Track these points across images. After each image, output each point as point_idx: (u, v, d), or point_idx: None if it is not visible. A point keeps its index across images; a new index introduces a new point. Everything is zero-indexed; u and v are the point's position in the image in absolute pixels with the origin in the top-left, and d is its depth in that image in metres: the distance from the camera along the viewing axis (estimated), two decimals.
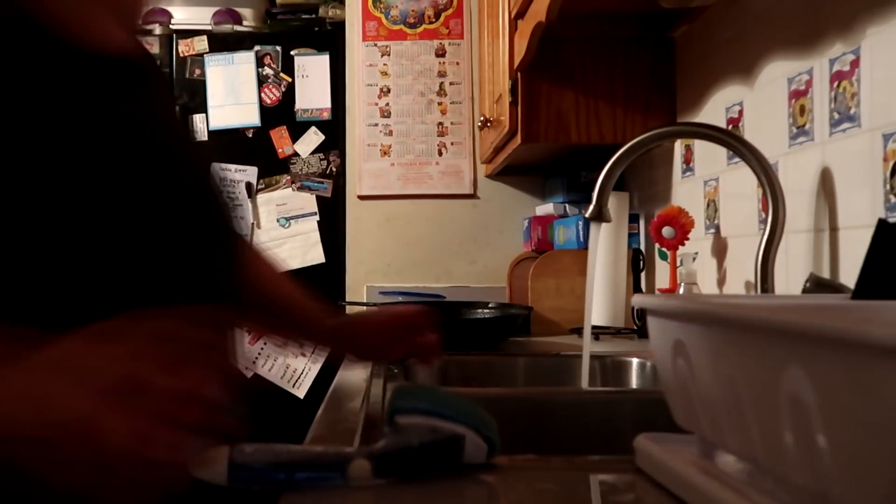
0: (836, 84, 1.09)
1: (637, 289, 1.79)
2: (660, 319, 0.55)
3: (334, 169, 2.71)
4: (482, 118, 2.29)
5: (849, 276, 1.05)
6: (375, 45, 2.66)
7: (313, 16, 2.90)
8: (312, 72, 2.79)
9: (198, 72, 2.72)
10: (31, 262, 0.54)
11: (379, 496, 0.56)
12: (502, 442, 0.60)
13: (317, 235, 2.68)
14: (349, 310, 2.30)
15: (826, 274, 1.11)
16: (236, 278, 0.75)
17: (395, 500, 0.55)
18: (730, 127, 1.43)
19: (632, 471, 0.59)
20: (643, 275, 1.82)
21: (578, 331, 1.74)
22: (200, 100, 2.71)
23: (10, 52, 0.58)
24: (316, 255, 2.67)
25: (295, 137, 2.76)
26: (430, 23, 2.66)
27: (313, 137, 2.78)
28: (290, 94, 2.76)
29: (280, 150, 2.71)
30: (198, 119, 2.71)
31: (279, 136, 2.72)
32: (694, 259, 1.58)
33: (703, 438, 0.52)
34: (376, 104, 2.66)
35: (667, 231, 1.58)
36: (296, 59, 2.79)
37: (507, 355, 1.41)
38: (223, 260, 0.73)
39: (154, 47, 2.69)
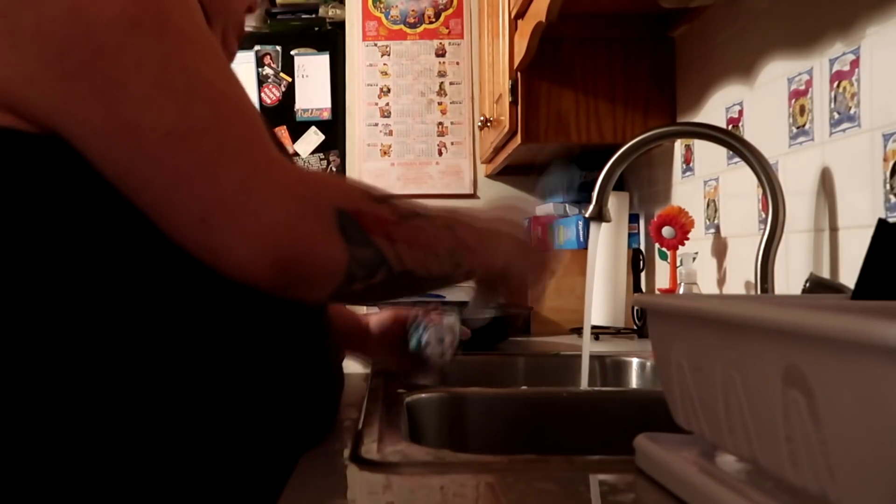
0: (836, 84, 1.09)
1: (637, 289, 1.79)
2: (660, 319, 0.55)
3: (334, 169, 2.71)
4: (482, 118, 2.29)
5: (849, 276, 1.05)
6: (375, 44, 2.66)
7: (313, 16, 2.91)
8: (312, 72, 2.80)
9: None
10: None
11: (382, 495, 0.56)
12: (502, 442, 0.61)
13: None
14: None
15: (826, 274, 1.11)
16: None
17: (396, 500, 0.55)
18: (730, 127, 1.43)
19: (632, 471, 0.59)
20: (643, 275, 1.82)
21: (578, 331, 1.74)
22: None
23: None
24: None
25: (295, 137, 2.76)
26: (430, 23, 2.66)
27: (313, 137, 2.78)
28: (290, 93, 2.76)
29: None
30: None
31: (279, 135, 2.72)
32: (694, 259, 1.58)
33: (703, 438, 0.52)
34: (376, 104, 2.66)
35: (667, 231, 1.58)
36: (296, 58, 2.79)
37: (507, 355, 1.41)
38: None
39: None
